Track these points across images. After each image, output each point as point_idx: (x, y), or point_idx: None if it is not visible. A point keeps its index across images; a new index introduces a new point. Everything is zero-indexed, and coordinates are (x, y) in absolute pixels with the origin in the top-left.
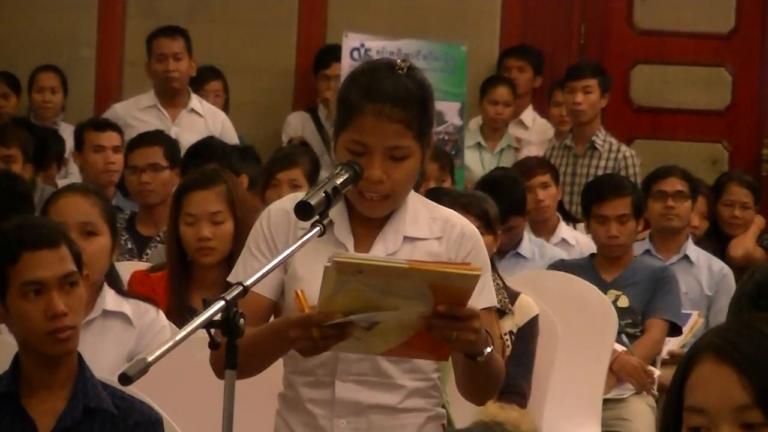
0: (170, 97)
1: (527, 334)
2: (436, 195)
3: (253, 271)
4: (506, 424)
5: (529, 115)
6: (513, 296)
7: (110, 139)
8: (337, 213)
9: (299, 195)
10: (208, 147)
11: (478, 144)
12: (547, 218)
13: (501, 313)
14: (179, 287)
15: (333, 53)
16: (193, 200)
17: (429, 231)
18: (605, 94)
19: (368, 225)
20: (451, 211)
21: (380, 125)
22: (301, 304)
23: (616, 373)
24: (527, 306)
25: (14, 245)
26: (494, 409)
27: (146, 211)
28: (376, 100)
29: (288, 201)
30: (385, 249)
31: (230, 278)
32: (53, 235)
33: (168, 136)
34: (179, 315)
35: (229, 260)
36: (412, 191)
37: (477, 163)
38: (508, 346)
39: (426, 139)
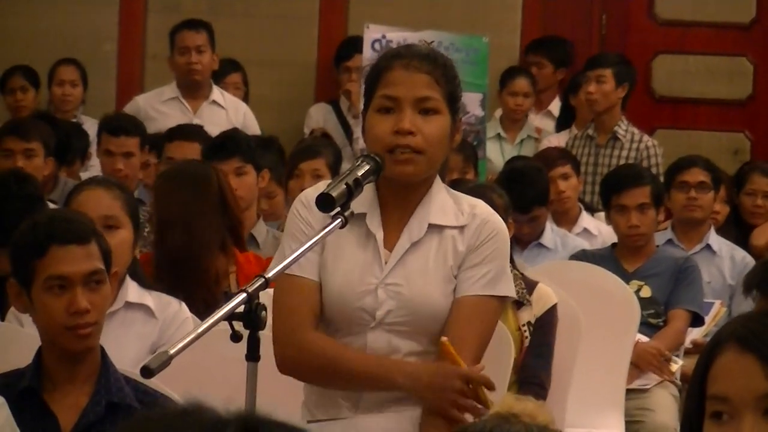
0: (192, 89)
1: (546, 324)
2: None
3: (304, 259)
4: (522, 415)
5: (556, 105)
6: (531, 286)
7: (120, 145)
8: (369, 203)
9: None
10: (233, 140)
11: (498, 135)
12: (569, 209)
13: (519, 304)
14: None
15: (354, 45)
16: None
17: (455, 219)
18: (623, 85)
19: (398, 215)
20: (480, 202)
21: (409, 76)
22: (454, 356)
23: (636, 363)
24: (545, 296)
25: (43, 238)
26: (510, 401)
27: None
28: (404, 57)
29: (322, 187)
30: (410, 237)
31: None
32: (83, 231)
33: (206, 134)
34: None
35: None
36: (443, 184)
37: (498, 154)
38: (527, 337)
39: (454, 108)
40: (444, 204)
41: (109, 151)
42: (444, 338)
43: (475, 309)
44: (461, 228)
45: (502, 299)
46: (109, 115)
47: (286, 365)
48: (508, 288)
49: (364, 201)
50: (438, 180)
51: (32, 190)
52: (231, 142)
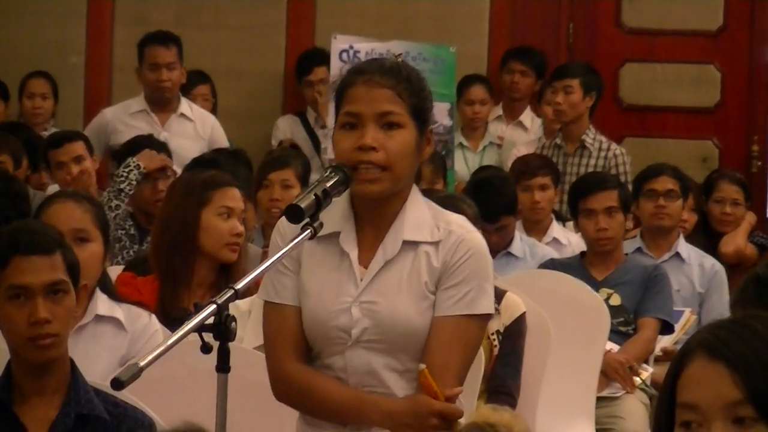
0: (160, 103)
1: (514, 333)
2: None
3: (282, 286)
4: (498, 425)
5: (527, 116)
6: (499, 295)
7: (68, 152)
8: (344, 220)
9: None
10: (214, 160)
11: (461, 144)
12: (541, 219)
13: None
14: (173, 286)
15: (314, 59)
16: (229, 196)
17: (430, 235)
18: (590, 94)
19: (373, 232)
20: (460, 218)
21: (370, 92)
22: (432, 386)
23: (603, 371)
24: (513, 305)
25: (6, 248)
26: (486, 411)
27: (145, 213)
28: (366, 72)
29: None
30: (384, 255)
31: (260, 296)
32: (47, 242)
33: (160, 141)
34: (170, 314)
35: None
36: (422, 198)
37: (461, 163)
38: (496, 346)
39: (422, 121)
40: (420, 219)
41: (61, 162)
42: (422, 366)
43: (458, 330)
44: (436, 244)
45: (485, 317)
46: (48, 137)
47: (278, 395)
48: (489, 305)
49: (339, 218)
50: (415, 193)
51: (19, 188)
52: (213, 162)
